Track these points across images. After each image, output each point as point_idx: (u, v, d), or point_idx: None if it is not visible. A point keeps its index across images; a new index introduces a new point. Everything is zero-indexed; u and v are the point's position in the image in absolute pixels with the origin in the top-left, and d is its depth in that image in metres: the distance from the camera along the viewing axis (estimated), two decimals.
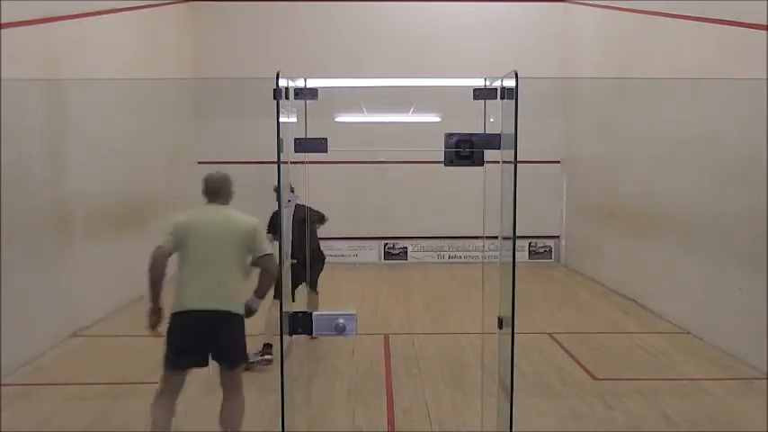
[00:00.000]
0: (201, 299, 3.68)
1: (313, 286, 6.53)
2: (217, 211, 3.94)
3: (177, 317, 3.71)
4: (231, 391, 3.86)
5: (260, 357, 5.55)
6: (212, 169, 4.05)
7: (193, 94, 11.20)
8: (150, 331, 3.79)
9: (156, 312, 3.79)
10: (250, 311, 3.91)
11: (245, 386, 3.93)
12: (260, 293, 3.92)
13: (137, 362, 5.88)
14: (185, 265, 3.80)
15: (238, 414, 3.90)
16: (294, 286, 6.35)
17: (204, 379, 5.34)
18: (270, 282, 3.93)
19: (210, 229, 3.85)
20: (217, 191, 3.99)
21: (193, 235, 3.81)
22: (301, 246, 5.42)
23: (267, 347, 5.63)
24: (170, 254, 3.83)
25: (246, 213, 3.93)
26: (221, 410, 3.86)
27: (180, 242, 3.80)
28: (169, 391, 3.75)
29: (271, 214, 5.86)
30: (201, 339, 3.68)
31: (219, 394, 3.87)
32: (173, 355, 3.70)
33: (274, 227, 5.89)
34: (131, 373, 5.50)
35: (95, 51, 7.39)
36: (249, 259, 3.90)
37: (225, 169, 4.06)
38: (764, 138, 5.42)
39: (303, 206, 5.61)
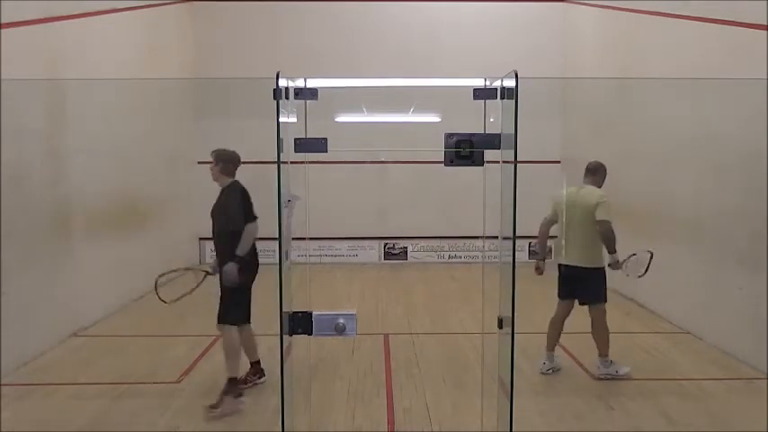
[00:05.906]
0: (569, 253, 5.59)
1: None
2: (581, 187, 5.46)
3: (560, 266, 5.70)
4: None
5: None
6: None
7: (193, 94, 11.19)
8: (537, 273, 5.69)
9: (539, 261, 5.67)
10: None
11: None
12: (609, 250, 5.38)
13: (137, 362, 5.91)
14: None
15: (603, 337, 5.37)
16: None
17: (203, 379, 5.37)
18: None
19: (573, 200, 5.46)
20: (588, 172, 5.49)
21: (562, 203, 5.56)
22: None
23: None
24: (552, 222, 5.71)
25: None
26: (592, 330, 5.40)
27: (557, 209, 5.61)
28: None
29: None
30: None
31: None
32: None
33: None
34: (131, 373, 5.50)
35: (95, 51, 7.39)
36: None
37: None
38: (764, 138, 5.42)
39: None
